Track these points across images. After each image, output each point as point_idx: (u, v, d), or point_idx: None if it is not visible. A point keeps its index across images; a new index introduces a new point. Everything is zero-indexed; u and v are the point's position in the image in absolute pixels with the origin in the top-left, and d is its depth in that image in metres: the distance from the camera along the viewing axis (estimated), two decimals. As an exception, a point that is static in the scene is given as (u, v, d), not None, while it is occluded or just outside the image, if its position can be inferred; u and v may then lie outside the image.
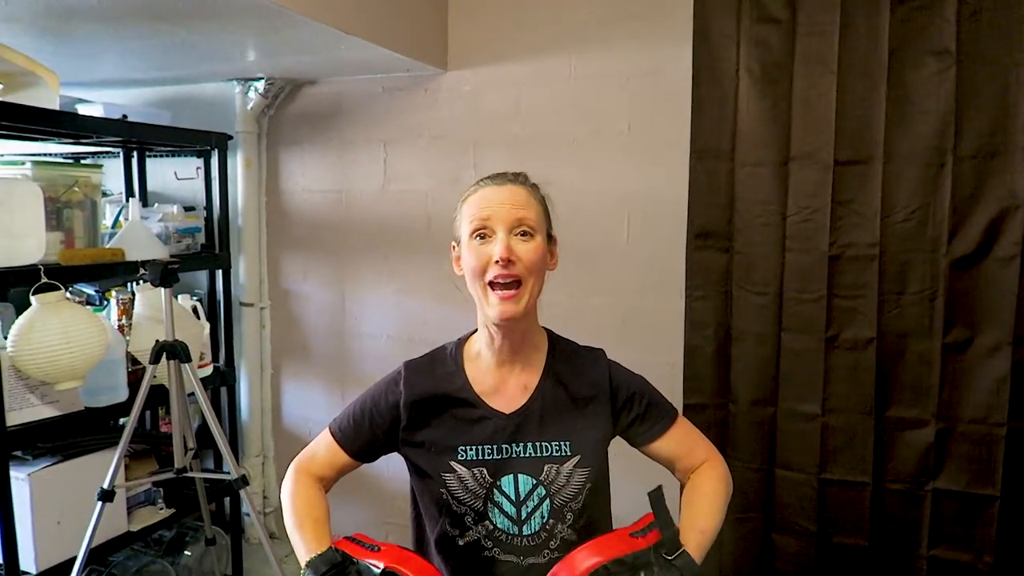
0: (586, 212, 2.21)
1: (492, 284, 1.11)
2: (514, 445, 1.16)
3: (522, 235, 1.11)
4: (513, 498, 1.15)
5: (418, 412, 1.18)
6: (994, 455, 1.82)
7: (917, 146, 1.80)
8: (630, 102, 2.16)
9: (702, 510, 1.17)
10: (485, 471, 1.15)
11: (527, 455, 1.15)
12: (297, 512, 1.15)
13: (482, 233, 1.12)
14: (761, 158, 1.94)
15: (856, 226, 1.87)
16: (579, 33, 2.20)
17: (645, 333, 2.19)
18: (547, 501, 1.15)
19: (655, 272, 2.16)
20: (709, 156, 1.98)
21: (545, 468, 1.15)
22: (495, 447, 1.15)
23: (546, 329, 1.26)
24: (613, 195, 2.20)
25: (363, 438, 1.21)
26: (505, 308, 1.10)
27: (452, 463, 1.15)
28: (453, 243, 1.19)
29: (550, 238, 1.19)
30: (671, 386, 2.08)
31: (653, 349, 2.15)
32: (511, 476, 1.15)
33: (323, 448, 1.24)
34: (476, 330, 1.23)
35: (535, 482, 1.15)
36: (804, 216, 1.91)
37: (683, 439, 1.23)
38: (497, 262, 1.09)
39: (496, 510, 1.15)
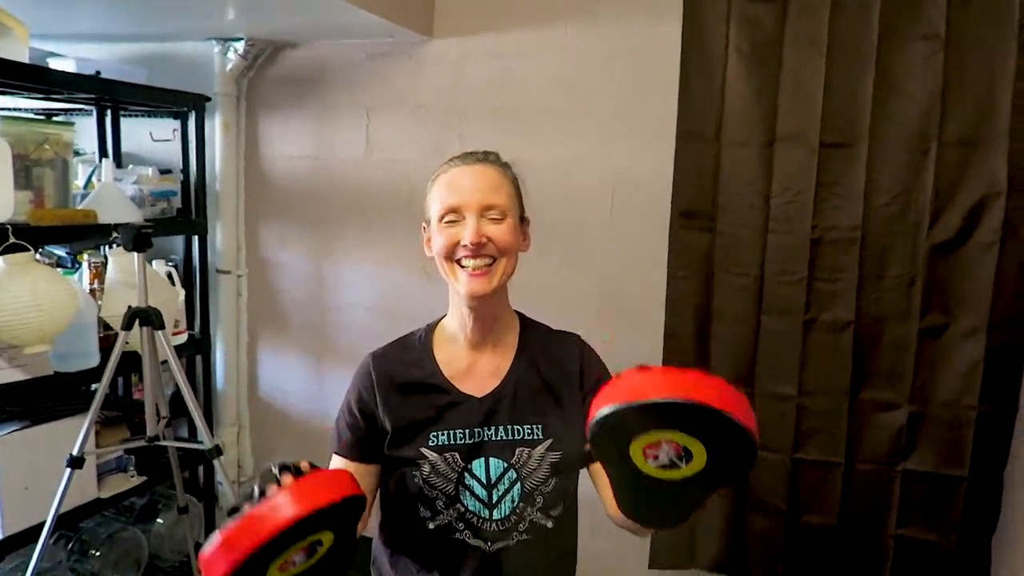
0: (570, 189, 2.19)
1: (460, 263, 1.10)
2: (486, 429, 1.15)
3: (492, 219, 1.11)
4: (484, 481, 1.14)
5: (389, 400, 1.16)
6: (963, 437, 1.85)
7: (902, 131, 1.80)
8: (619, 79, 2.13)
9: None
10: (457, 455, 1.14)
11: (499, 439, 1.15)
12: None
13: (452, 218, 1.11)
14: (747, 139, 1.92)
15: (839, 209, 1.88)
16: (570, 6, 2.16)
17: (626, 312, 2.19)
18: (518, 485, 1.14)
19: (638, 251, 2.15)
20: (695, 136, 1.97)
21: (517, 451, 1.14)
22: (467, 431, 1.14)
23: (518, 312, 1.25)
24: (598, 173, 2.17)
25: (366, 438, 1.18)
26: (475, 286, 1.09)
27: (423, 449, 1.14)
28: (424, 224, 1.18)
29: (522, 220, 1.18)
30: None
31: (633, 327, 2.15)
32: (482, 459, 1.14)
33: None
34: (446, 315, 1.22)
35: (506, 465, 1.14)
36: (788, 198, 1.91)
37: None
38: (466, 246, 1.09)
39: (468, 493, 1.14)
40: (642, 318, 2.13)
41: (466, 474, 1.13)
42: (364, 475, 1.16)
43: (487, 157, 1.17)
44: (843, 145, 1.85)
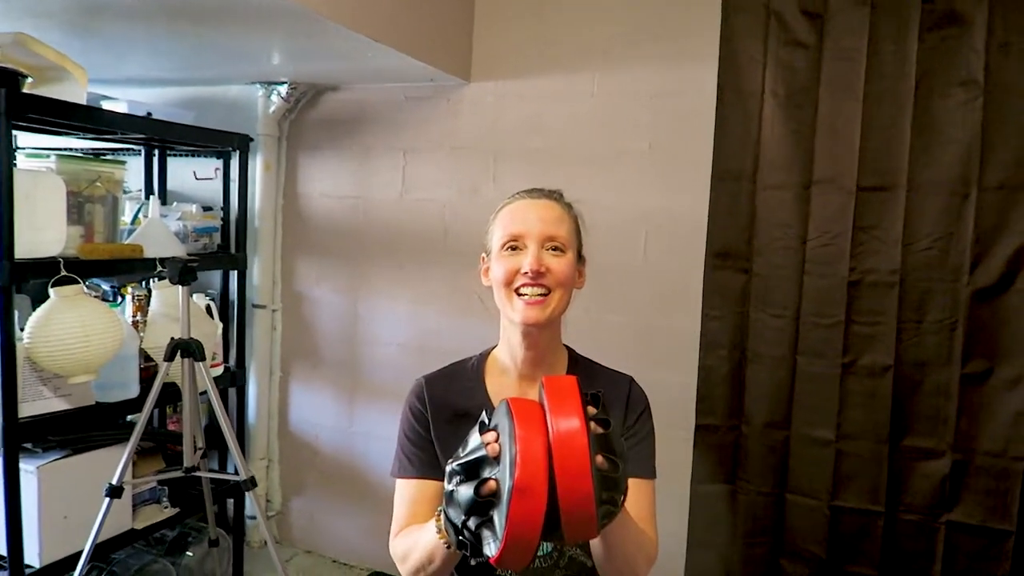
0: (604, 228, 2.18)
1: (519, 291, 1.11)
2: None
3: (553, 250, 1.12)
4: None
5: (439, 426, 1.16)
6: (1011, 489, 1.80)
7: (941, 175, 1.80)
8: (652, 121, 2.16)
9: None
10: None
11: None
12: (410, 545, 1.07)
13: (513, 245, 1.12)
14: (783, 181, 1.93)
15: (877, 252, 1.87)
16: (604, 50, 2.21)
17: (659, 351, 2.18)
18: None
19: (672, 291, 2.16)
20: (731, 177, 1.98)
21: None
22: None
23: (568, 347, 1.25)
24: (632, 213, 2.19)
25: (429, 458, 1.15)
26: (530, 313, 1.10)
27: None
28: (483, 254, 1.19)
29: (580, 257, 1.18)
30: (683, 407, 2.08)
31: (667, 368, 2.13)
32: None
33: (403, 498, 1.16)
34: (497, 345, 1.22)
35: None
36: (825, 240, 1.91)
37: (642, 501, 1.10)
38: (526, 273, 1.09)
39: None
40: (676, 358, 2.12)
41: None
42: (433, 490, 1.14)
43: (552, 194, 1.19)
44: (881, 189, 1.85)
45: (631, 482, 0.91)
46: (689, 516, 2.10)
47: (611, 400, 1.14)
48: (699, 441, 2.06)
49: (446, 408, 1.17)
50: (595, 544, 1.04)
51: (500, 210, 1.18)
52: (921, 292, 1.84)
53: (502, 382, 1.19)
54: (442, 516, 0.88)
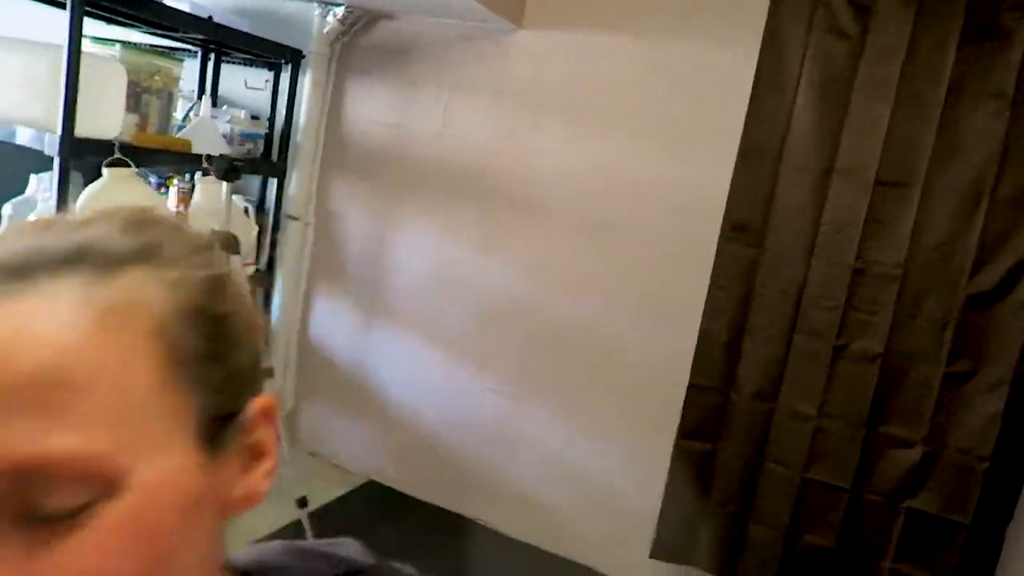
0: (629, 188, 2.29)
1: None
2: None
3: (31, 523, 0.33)
4: None
5: None
6: (971, 485, 1.91)
7: (958, 181, 1.86)
8: (689, 92, 2.22)
9: None
10: None
11: None
12: None
13: None
14: (805, 165, 2.00)
15: (885, 246, 1.94)
16: (653, 15, 2.26)
17: (664, 313, 2.28)
18: None
19: (683, 259, 2.25)
20: (755, 155, 2.05)
21: None
22: None
23: None
24: (655, 177, 2.27)
25: None
26: None
27: None
28: None
29: (225, 425, 0.41)
30: (677, 365, 2.19)
31: (669, 329, 2.25)
32: None
33: None
34: None
35: None
36: (837, 227, 1.98)
37: None
38: None
39: None
40: (678, 321, 2.23)
41: None
42: None
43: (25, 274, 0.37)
44: (898, 185, 1.91)
45: None
46: (669, 468, 2.23)
47: None
48: (689, 399, 2.18)
49: None
50: None
51: None
52: (920, 289, 1.92)
53: None
54: None
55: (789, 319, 2.05)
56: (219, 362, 0.40)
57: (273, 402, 0.44)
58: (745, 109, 2.05)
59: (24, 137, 1.94)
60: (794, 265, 2.04)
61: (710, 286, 2.14)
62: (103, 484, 0.33)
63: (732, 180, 2.08)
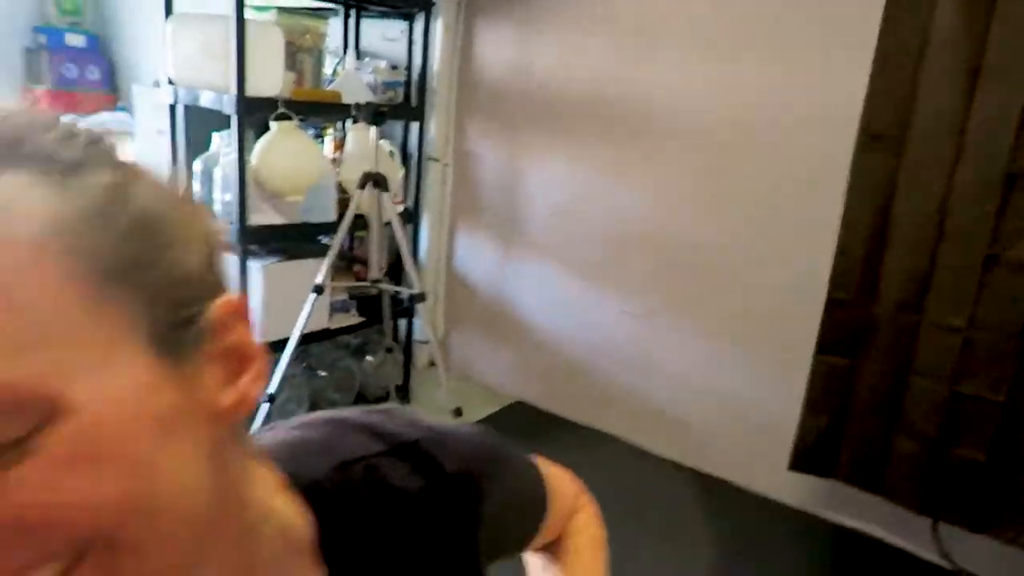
0: (751, 107, 2.25)
1: None
2: None
3: None
4: None
5: None
6: None
7: None
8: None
9: None
10: None
11: None
12: None
13: None
14: (949, 67, 1.87)
15: (1044, 144, 1.80)
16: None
17: (797, 229, 2.25)
18: None
19: (815, 172, 2.19)
20: (893, 59, 1.94)
21: None
22: None
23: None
24: (782, 94, 2.21)
25: None
26: None
27: None
28: None
29: (176, 336, 0.38)
30: (814, 282, 2.17)
31: (803, 247, 2.22)
32: None
33: None
34: None
35: None
36: (987, 129, 1.86)
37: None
38: None
39: None
40: (812, 236, 2.20)
41: None
42: None
43: None
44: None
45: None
46: (808, 383, 2.23)
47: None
48: (828, 314, 2.15)
49: None
50: None
51: None
52: (1087, 188, 1.78)
53: None
54: None
55: (935, 228, 1.97)
56: (153, 266, 0.36)
57: (238, 301, 0.41)
58: (880, 13, 1.94)
59: (206, 99, 2.24)
60: (939, 173, 1.93)
61: (847, 198, 2.08)
62: (40, 409, 0.31)
63: (869, 84, 1.99)
